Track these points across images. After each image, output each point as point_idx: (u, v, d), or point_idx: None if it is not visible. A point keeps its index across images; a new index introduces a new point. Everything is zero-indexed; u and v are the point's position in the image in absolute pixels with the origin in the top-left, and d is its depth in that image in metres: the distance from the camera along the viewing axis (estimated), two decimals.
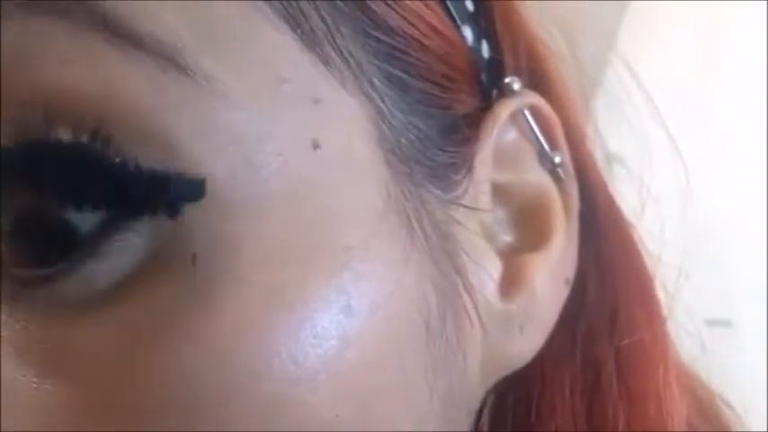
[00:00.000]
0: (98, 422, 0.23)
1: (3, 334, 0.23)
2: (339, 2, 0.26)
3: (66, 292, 0.23)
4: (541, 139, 0.31)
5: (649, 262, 0.33)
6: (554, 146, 0.31)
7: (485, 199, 0.29)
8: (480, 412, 0.30)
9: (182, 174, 0.23)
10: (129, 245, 0.23)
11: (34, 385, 0.23)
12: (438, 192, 0.28)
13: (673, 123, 0.39)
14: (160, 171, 0.23)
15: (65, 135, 0.22)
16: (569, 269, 0.30)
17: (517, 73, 0.31)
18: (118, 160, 0.23)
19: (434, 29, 0.28)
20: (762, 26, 0.68)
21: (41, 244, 0.23)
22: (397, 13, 0.27)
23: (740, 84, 0.71)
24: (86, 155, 0.22)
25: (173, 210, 0.23)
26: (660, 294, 0.33)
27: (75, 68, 0.23)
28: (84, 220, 0.23)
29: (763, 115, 0.68)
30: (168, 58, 0.23)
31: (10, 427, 0.22)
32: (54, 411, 0.23)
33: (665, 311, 0.33)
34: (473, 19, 0.30)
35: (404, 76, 0.27)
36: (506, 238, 0.30)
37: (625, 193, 0.35)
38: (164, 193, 0.23)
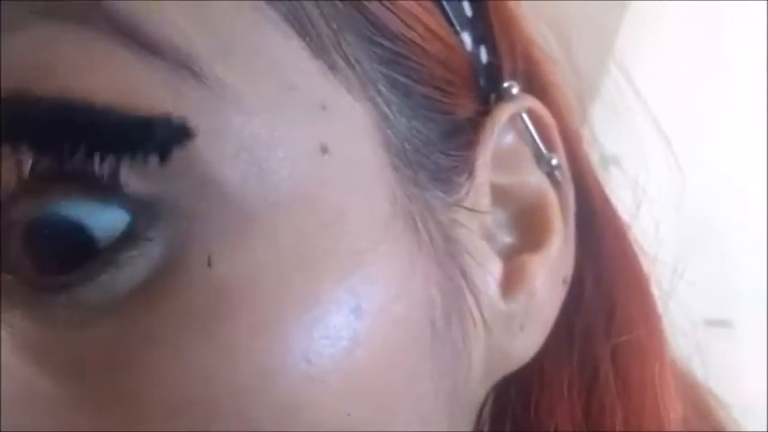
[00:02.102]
0: (117, 424, 0.23)
1: (21, 341, 0.23)
2: (344, 9, 0.26)
3: (84, 299, 0.23)
4: (539, 141, 0.31)
5: (645, 261, 0.34)
6: (551, 148, 0.31)
7: (485, 201, 0.29)
8: (480, 412, 0.30)
9: (167, 118, 0.23)
10: (147, 252, 0.23)
11: (53, 390, 0.23)
12: (442, 195, 0.28)
13: (672, 124, 0.40)
14: (144, 117, 0.23)
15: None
16: (567, 269, 0.31)
17: (514, 77, 0.31)
18: (102, 109, 0.22)
19: (434, 33, 0.28)
20: (762, 26, 0.69)
21: (60, 251, 0.23)
22: (398, 17, 0.27)
23: (740, 84, 0.71)
24: (71, 107, 0.22)
25: (163, 152, 0.23)
26: (656, 293, 0.33)
27: (91, 75, 0.23)
28: (104, 229, 0.23)
29: (763, 115, 0.69)
30: (184, 65, 0.23)
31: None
32: (72, 415, 0.23)
33: (660, 309, 0.33)
34: (471, 24, 0.30)
35: (407, 81, 0.27)
36: (505, 239, 0.30)
37: (621, 194, 0.35)
38: (151, 137, 0.23)
